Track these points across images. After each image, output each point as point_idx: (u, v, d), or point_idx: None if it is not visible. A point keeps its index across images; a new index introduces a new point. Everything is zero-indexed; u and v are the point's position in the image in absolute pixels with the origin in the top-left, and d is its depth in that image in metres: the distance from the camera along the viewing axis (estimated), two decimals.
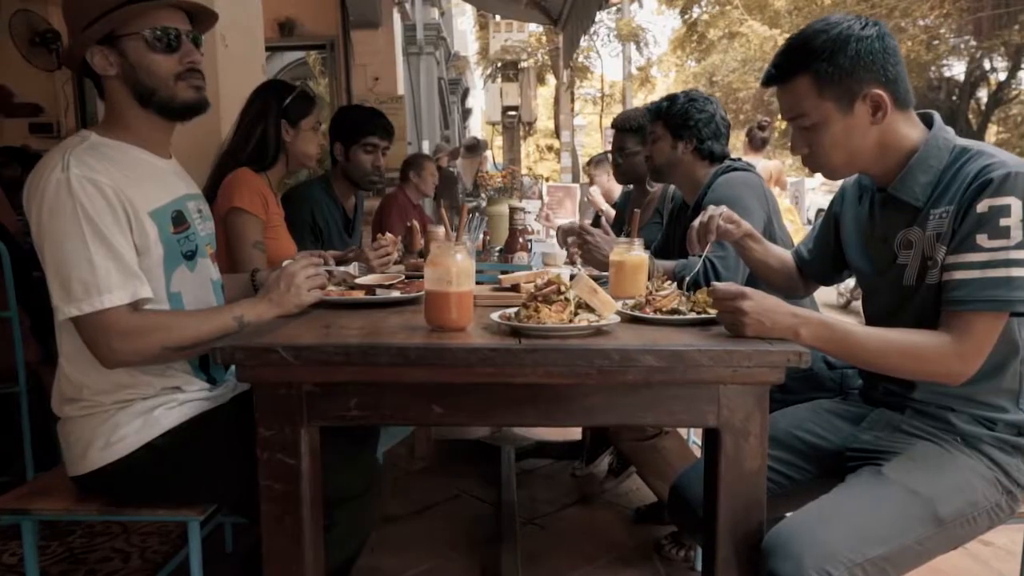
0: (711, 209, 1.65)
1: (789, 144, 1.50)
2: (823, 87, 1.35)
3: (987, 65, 17.71)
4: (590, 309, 1.36)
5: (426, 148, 9.43)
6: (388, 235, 2.07)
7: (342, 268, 1.77)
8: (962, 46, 17.42)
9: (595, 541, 2.44)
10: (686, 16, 19.54)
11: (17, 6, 5.74)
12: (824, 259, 1.68)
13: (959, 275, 1.27)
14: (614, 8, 18.63)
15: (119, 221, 1.37)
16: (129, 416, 1.45)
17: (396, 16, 8.62)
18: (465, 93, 20.51)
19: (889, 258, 1.43)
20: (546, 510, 2.68)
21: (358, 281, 1.75)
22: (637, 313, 1.47)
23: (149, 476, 1.44)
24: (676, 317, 1.43)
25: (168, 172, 1.56)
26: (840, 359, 1.40)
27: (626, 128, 2.94)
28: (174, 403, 1.50)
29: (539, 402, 1.27)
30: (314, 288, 1.53)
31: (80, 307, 1.32)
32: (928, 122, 1.41)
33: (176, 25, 1.46)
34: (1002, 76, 17.88)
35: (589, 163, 5.18)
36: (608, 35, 20.84)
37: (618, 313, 1.41)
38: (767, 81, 1.44)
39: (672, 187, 2.59)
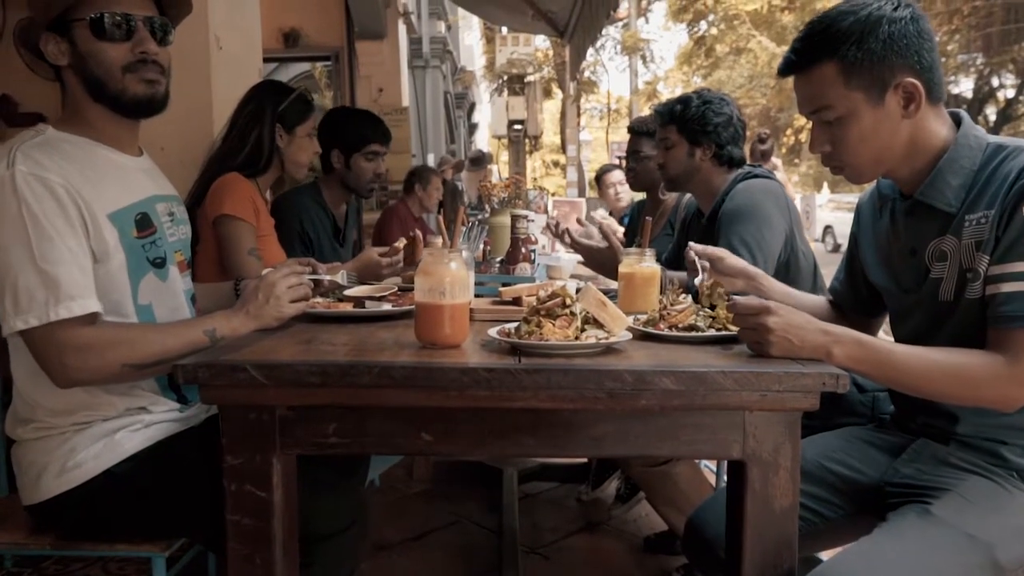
0: (713, 252, 1.54)
1: (793, 153, 1.37)
2: (851, 75, 1.20)
3: (995, 82, 17.63)
4: (599, 325, 1.22)
5: (431, 161, 9.35)
6: (402, 240, 1.95)
7: (329, 277, 1.63)
8: (970, 63, 17.35)
9: (602, 572, 2.29)
10: (693, 30, 19.52)
11: (23, 14, 5.68)
12: (855, 289, 1.54)
13: (1008, 287, 1.13)
14: (621, 22, 18.62)
15: (71, 223, 1.24)
16: (87, 439, 1.31)
17: (402, 28, 8.58)
18: (471, 107, 20.49)
19: (920, 272, 1.29)
20: (550, 538, 2.53)
21: (347, 292, 1.62)
22: (650, 330, 1.33)
23: (109, 506, 1.31)
24: (694, 334, 1.29)
25: (134, 170, 1.43)
26: (877, 382, 1.26)
27: (642, 131, 2.83)
28: (139, 425, 1.37)
29: (541, 430, 1.13)
30: (297, 299, 1.40)
31: (27, 319, 1.19)
32: (957, 120, 1.28)
33: (130, 10, 1.31)
34: (1010, 93, 17.78)
35: (599, 174, 5.06)
36: (615, 48, 20.86)
37: (629, 329, 1.27)
38: (785, 69, 1.29)
39: (687, 196, 2.46)
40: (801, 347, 1.13)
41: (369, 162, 2.57)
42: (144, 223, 1.39)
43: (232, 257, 1.97)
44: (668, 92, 23.52)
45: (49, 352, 1.21)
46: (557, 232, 2.23)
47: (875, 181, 1.43)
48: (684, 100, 2.13)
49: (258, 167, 2.12)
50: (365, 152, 2.55)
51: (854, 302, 1.55)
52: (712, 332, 1.30)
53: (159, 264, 1.41)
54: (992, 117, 17.99)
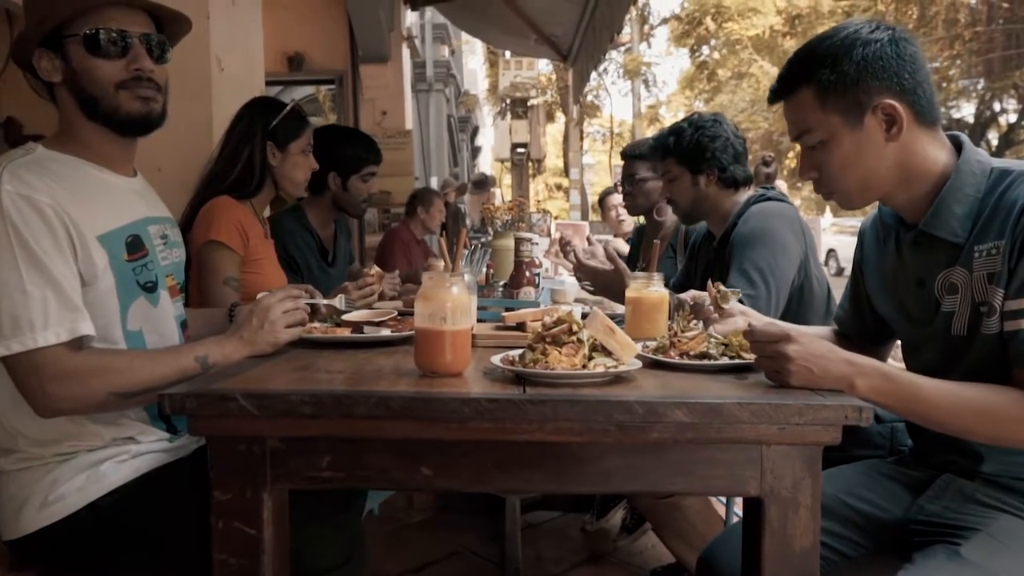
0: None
1: (796, 176, 1.33)
2: (827, 98, 1.19)
3: (997, 107, 17.69)
4: (607, 352, 1.16)
5: (434, 184, 9.35)
6: (375, 269, 1.88)
7: (326, 301, 1.58)
8: (971, 88, 17.42)
9: None
10: (695, 55, 19.66)
11: None
12: (860, 319, 1.49)
13: None
14: (623, 47, 18.75)
15: (60, 245, 1.19)
16: (71, 471, 1.25)
17: (405, 52, 8.61)
18: (475, 131, 20.59)
19: (930, 306, 1.24)
20: (553, 569, 2.46)
21: (345, 317, 1.57)
22: (661, 358, 1.27)
23: (93, 542, 1.24)
24: (707, 363, 1.24)
25: (127, 191, 1.39)
26: (901, 416, 1.20)
27: (635, 155, 2.79)
28: (126, 456, 1.31)
29: (547, 463, 1.07)
30: (293, 324, 1.35)
31: (8, 345, 1.14)
32: (957, 145, 1.23)
33: (126, 27, 1.28)
34: (1012, 118, 17.83)
35: (602, 196, 5.03)
36: (617, 72, 21.00)
37: (639, 357, 1.21)
38: (772, 97, 1.30)
39: None
40: (822, 377, 1.08)
41: (365, 183, 2.53)
42: (135, 246, 1.34)
43: (207, 284, 1.89)
44: (671, 116, 23.63)
45: (30, 380, 1.16)
46: (564, 247, 2.17)
47: (876, 207, 1.39)
48: (676, 131, 2.08)
49: (249, 188, 2.04)
50: (363, 174, 2.51)
51: (860, 331, 1.50)
52: (726, 360, 1.24)
53: (150, 288, 1.36)
54: (994, 142, 18.02)
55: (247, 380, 1.12)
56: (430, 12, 10.80)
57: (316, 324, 1.53)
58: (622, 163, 2.98)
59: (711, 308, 1.47)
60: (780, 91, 1.27)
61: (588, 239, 2.60)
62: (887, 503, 1.30)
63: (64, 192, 1.22)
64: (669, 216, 2.81)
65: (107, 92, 1.28)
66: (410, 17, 9.05)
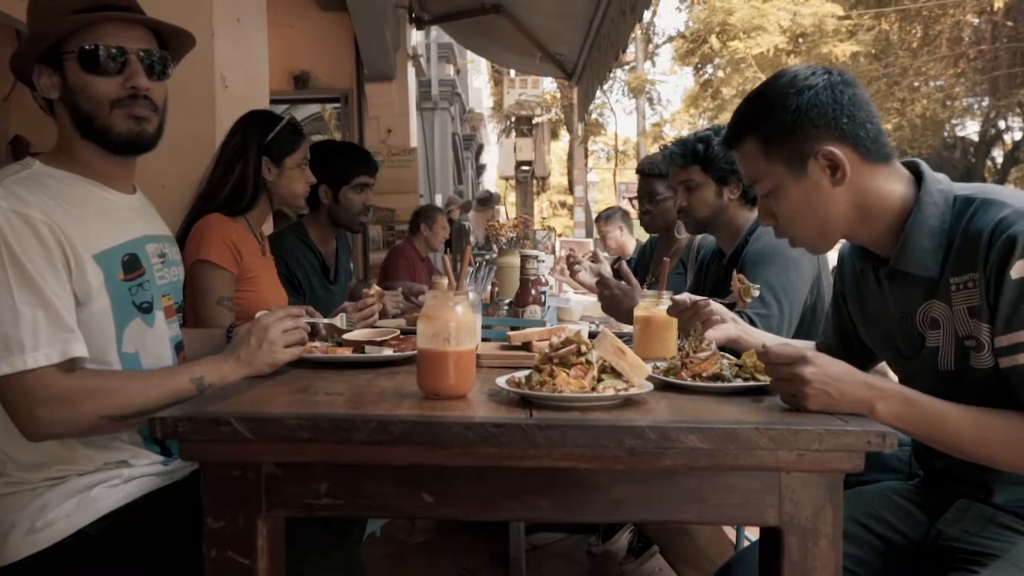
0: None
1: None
2: (768, 147, 1.20)
3: (1002, 124, 17.67)
4: (616, 374, 1.12)
5: (439, 201, 9.36)
6: (375, 288, 1.84)
7: (327, 321, 1.54)
8: (976, 106, 17.42)
9: None
10: (700, 73, 19.72)
11: None
12: (846, 345, 1.44)
13: None
14: (628, 66, 18.83)
15: (54, 264, 1.16)
16: (60, 496, 1.20)
17: (411, 70, 8.64)
18: (479, 149, 20.65)
19: (916, 339, 1.21)
20: None
21: (346, 336, 1.53)
22: (672, 379, 1.23)
23: (81, 571, 1.19)
24: (720, 385, 1.19)
25: (125, 209, 1.35)
26: (922, 442, 1.15)
27: (653, 173, 2.75)
28: (117, 480, 1.26)
29: (555, 491, 1.02)
30: (292, 344, 1.31)
31: None
32: (917, 173, 1.20)
33: (124, 43, 1.25)
34: (1017, 135, 17.81)
35: (599, 219, 5.00)
36: (622, 90, 21.06)
37: (649, 379, 1.17)
38: (725, 145, 1.32)
39: (700, 236, 2.37)
40: (841, 401, 1.04)
41: (358, 194, 2.48)
42: (132, 265, 1.30)
43: (199, 306, 1.83)
44: (675, 134, 23.64)
45: (19, 403, 1.11)
46: (571, 265, 2.12)
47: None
48: (704, 139, 2.01)
49: (241, 204, 1.97)
50: (354, 185, 2.46)
51: (846, 358, 1.46)
52: (740, 382, 1.20)
53: (146, 309, 1.32)
54: (999, 160, 17.99)
55: (242, 402, 1.08)
56: (435, 31, 10.88)
57: (316, 344, 1.49)
58: (637, 179, 2.94)
59: (708, 310, 1.43)
60: (729, 140, 1.28)
61: (594, 254, 2.55)
62: (905, 527, 1.26)
63: (60, 209, 1.19)
64: (686, 234, 2.77)
65: (101, 110, 1.25)
66: (416, 36, 9.10)
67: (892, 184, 1.18)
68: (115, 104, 1.25)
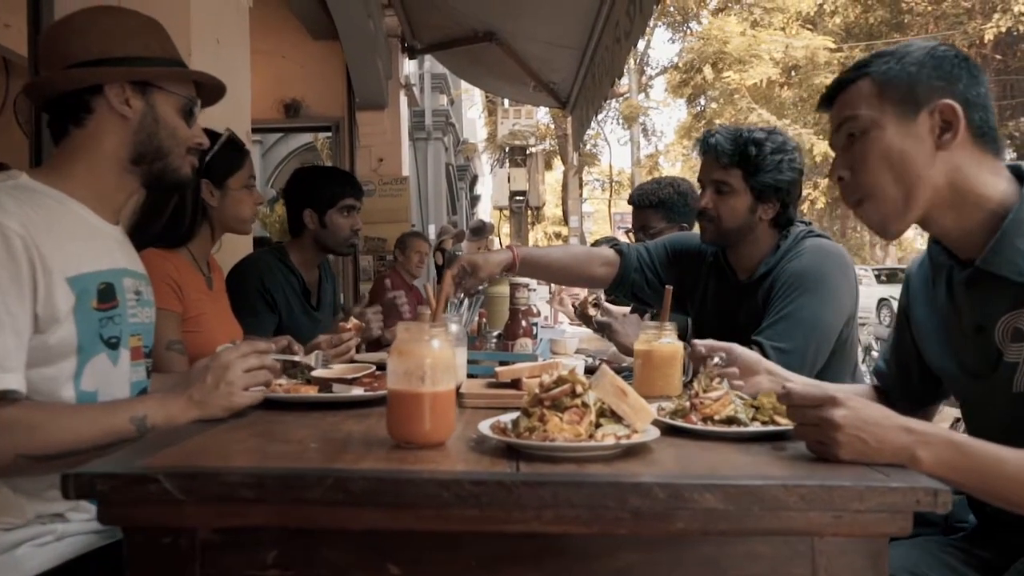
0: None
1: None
2: (885, 87, 1.10)
3: None
4: (617, 418, 0.97)
5: (431, 232, 9.27)
6: (352, 321, 1.69)
7: (299, 358, 1.39)
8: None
9: None
10: (693, 105, 19.84)
11: (22, 85, 5.65)
12: (904, 374, 1.31)
13: None
14: (622, 97, 18.93)
15: (19, 279, 1.06)
16: None
17: (403, 99, 8.60)
18: (474, 179, 20.65)
19: (990, 355, 1.08)
20: None
21: (315, 374, 1.37)
22: (680, 423, 1.08)
23: None
24: (736, 430, 1.04)
25: (109, 238, 1.26)
26: (973, 494, 1.00)
27: (645, 204, 2.61)
28: (49, 537, 1.12)
29: (545, 561, 0.86)
30: (255, 386, 1.16)
31: None
32: (1020, 177, 1.10)
33: (192, 95, 1.31)
34: None
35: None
36: (616, 119, 21.17)
37: (655, 423, 1.02)
38: (825, 97, 1.19)
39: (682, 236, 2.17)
40: (878, 449, 0.89)
41: (345, 217, 2.36)
42: (107, 294, 1.19)
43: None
44: (669, 165, 23.74)
45: None
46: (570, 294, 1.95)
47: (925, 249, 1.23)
48: (757, 141, 1.69)
49: (178, 233, 1.77)
50: (340, 207, 2.35)
51: (904, 389, 1.33)
52: (758, 427, 1.05)
53: (113, 344, 1.20)
54: None
55: (180, 453, 0.93)
56: (429, 62, 10.89)
57: (281, 382, 1.33)
58: (631, 210, 2.81)
59: (732, 370, 1.30)
60: (836, 87, 1.16)
61: (596, 301, 2.41)
62: None
63: (41, 224, 1.10)
64: None
65: (180, 152, 1.30)
66: (409, 66, 9.08)
67: (995, 178, 1.09)
68: (191, 150, 1.32)
